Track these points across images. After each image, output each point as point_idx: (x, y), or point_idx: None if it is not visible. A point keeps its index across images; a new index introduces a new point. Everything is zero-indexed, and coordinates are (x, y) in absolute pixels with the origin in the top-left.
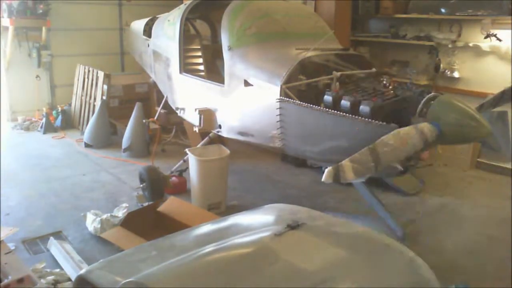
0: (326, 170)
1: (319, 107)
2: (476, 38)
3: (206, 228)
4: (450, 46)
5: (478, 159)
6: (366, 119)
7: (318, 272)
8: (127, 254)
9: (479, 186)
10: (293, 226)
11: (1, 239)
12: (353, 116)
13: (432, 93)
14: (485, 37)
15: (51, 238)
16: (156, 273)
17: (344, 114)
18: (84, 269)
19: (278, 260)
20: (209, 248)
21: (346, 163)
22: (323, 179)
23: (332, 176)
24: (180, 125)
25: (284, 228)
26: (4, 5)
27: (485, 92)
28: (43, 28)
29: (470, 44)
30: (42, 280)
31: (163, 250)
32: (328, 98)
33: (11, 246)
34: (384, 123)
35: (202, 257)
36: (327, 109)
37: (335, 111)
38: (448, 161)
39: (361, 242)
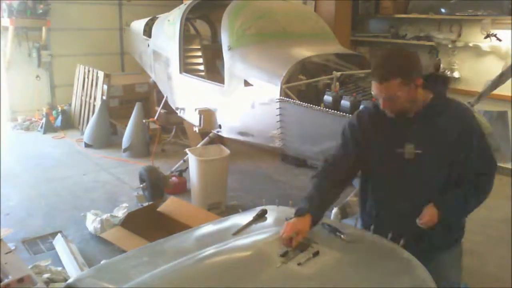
0: (333, 212)
1: (319, 107)
2: (476, 38)
3: (198, 232)
4: (450, 46)
5: None
6: None
7: (314, 274)
8: (118, 261)
9: None
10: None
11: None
12: None
13: None
14: (485, 37)
15: (59, 234)
16: (145, 281)
17: (344, 114)
18: (73, 277)
19: (274, 265)
20: (201, 253)
21: (351, 199)
22: (331, 218)
23: (340, 215)
24: (180, 125)
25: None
26: (4, 5)
27: None
28: (43, 28)
29: (470, 44)
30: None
31: (154, 256)
32: (328, 98)
33: (11, 246)
34: None
35: (195, 263)
36: (327, 109)
37: (335, 111)
38: None
39: (355, 243)
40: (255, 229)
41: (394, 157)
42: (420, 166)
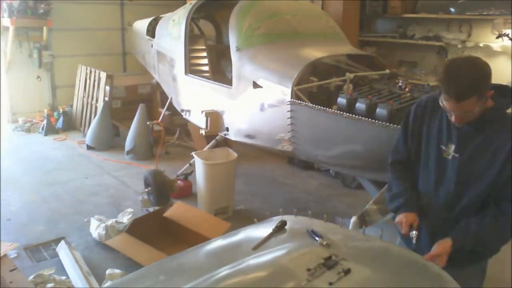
0: (352, 221)
1: (333, 110)
2: (487, 38)
3: (216, 246)
4: (459, 46)
5: None
6: (384, 123)
7: None
8: (131, 280)
9: None
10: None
11: (0, 255)
12: (370, 119)
13: None
14: (497, 37)
15: (62, 241)
16: None
17: (360, 117)
18: None
19: (301, 283)
20: (222, 272)
21: (370, 207)
22: (350, 227)
23: (358, 225)
24: (184, 127)
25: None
26: (4, 5)
27: None
28: (44, 28)
29: (481, 44)
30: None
31: (171, 274)
32: (342, 100)
33: (13, 253)
34: None
35: (217, 283)
36: (342, 112)
37: (351, 114)
38: None
39: (384, 258)
40: (275, 243)
41: (437, 152)
42: (457, 169)
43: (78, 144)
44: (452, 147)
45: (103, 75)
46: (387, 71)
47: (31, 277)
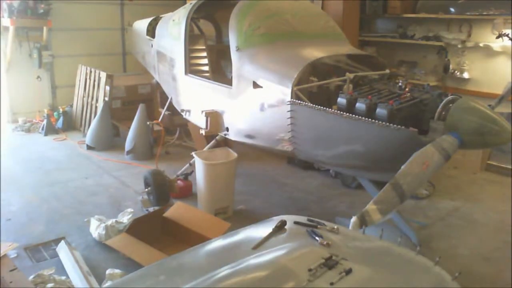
0: (352, 221)
1: (333, 110)
2: (487, 38)
3: (216, 246)
4: (459, 46)
5: (488, 162)
6: (384, 123)
7: None
8: (132, 279)
9: (490, 189)
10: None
11: (0, 255)
12: (370, 119)
13: (451, 96)
14: (497, 37)
15: (62, 241)
16: None
17: (360, 117)
18: None
19: (298, 280)
20: (222, 271)
21: (370, 206)
22: (350, 227)
23: (358, 225)
24: (184, 127)
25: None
26: (4, 5)
27: (495, 93)
28: (44, 28)
29: (481, 44)
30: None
31: (172, 274)
32: (342, 100)
33: (13, 253)
34: (403, 127)
35: (217, 283)
36: (342, 112)
37: (351, 114)
38: (458, 164)
39: (384, 258)
40: (275, 243)
41: None
42: None
43: (78, 144)
44: None
45: (103, 75)
46: (387, 71)
47: (31, 277)
